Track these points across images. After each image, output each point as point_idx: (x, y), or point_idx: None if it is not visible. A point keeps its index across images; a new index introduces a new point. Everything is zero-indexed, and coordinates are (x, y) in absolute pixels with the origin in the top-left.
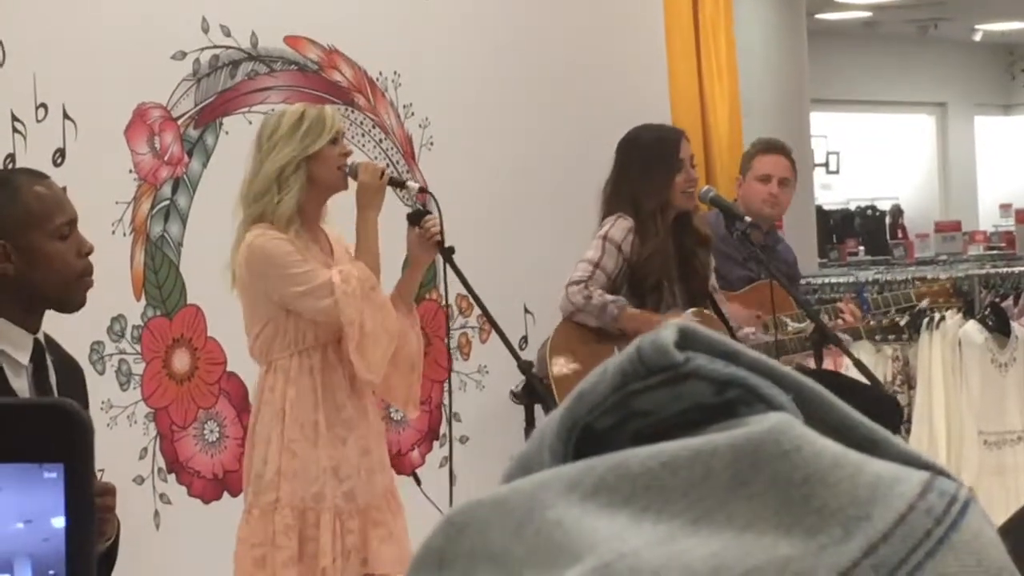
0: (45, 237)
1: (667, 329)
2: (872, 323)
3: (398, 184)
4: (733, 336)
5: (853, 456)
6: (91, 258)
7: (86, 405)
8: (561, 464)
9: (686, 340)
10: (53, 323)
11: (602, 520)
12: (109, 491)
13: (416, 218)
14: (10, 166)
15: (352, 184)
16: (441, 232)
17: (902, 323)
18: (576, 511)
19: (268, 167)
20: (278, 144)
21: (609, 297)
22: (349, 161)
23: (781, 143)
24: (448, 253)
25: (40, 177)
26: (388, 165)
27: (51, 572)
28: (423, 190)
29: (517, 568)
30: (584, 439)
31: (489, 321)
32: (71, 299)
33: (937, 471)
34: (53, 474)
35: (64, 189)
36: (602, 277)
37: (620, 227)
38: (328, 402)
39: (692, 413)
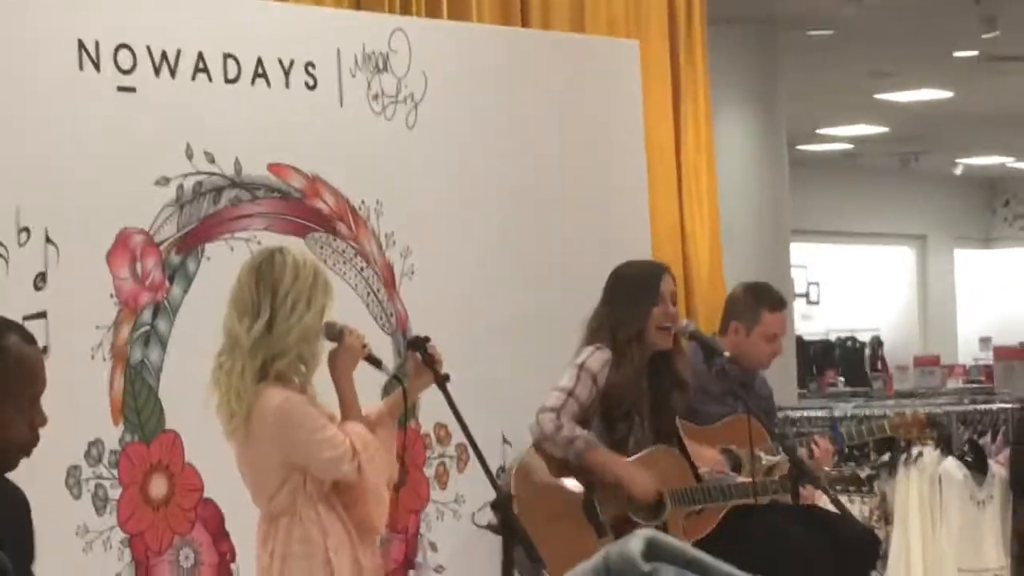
0: (8, 402)
1: (635, 539)
2: (833, 473)
3: (375, 363)
4: (696, 474)
5: None
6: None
7: (29, 536)
8: None
9: (652, 550)
10: None
11: None
12: None
13: (418, 344)
14: None
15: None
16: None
17: (863, 476)
18: None
19: (293, 332)
20: (297, 306)
21: (578, 431)
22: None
23: (783, 296)
24: (444, 380)
25: (29, 341)
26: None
27: None
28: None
29: None
30: None
31: (474, 452)
32: (2, 465)
33: None
34: None
35: (44, 313)
36: (574, 406)
37: (598, 358)
38: (362, 542)
39: None
